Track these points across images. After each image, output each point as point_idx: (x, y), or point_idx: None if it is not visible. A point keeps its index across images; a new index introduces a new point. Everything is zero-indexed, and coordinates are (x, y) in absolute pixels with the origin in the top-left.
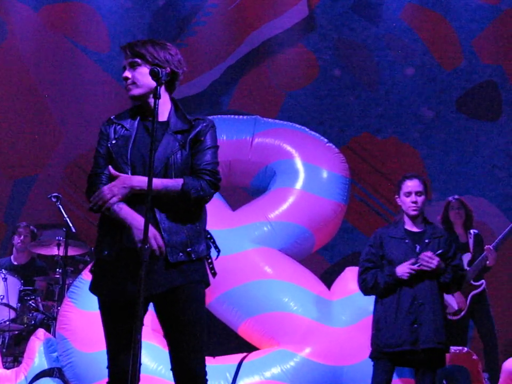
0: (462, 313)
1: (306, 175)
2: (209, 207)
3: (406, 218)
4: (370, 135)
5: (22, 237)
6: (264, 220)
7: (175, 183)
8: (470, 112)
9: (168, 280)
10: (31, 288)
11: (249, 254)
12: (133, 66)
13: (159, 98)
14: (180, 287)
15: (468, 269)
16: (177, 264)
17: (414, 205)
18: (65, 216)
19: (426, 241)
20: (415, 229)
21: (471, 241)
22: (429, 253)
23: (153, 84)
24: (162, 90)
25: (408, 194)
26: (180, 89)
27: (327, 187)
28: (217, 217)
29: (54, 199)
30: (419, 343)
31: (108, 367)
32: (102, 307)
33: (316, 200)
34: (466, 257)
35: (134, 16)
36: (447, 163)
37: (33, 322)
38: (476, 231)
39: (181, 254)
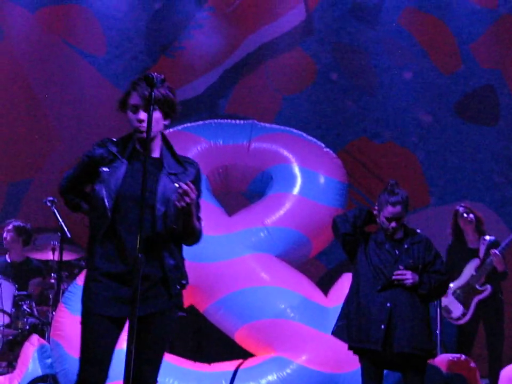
0: (466, 318)
1: (303, 181)
2: (206, 212)
3: None
4: (368, 139)
5: (8, 237)
6: (261, 226)
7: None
8: (468, 116)
9: (160, 303)
10: (25, 293)
11: (246, 259)
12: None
13: (153, 105)
14: (167, 310)
15: (474, 273)
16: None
17: (392, 229)
18: (60, 220)
19: (406, 246)
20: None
21: (483, 247)
22: (399, 271)
23: (162, 128)
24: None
25: (390, 220)
26: (177, 92)
27: (324, 193)
28: (214, 222)
29: (49, 203)
30: (393, 347)
31: (78, 376)
32: (87, 318)
33: (313, 206)
34: (474, 263)
35: (131, 19)
36: (445, 168)
37: (27, 327)
38: (492, 238)
39: (178, 286)
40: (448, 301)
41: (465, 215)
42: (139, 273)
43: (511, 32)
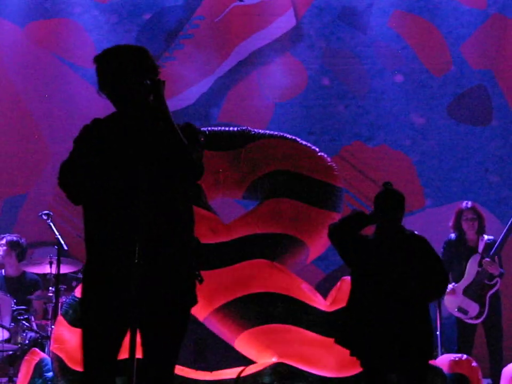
0: (484, 316)
1: (299, 186)
2: (202, 220)
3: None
4: (362, 143)
5: (2, 251)
6: (257, 232)
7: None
8: (461, 117)
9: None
10: (24, 307)
11: (244, 266)
12: None
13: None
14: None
15: (479, 269)
16: None
17: (392, 231)
18: (57, 233)
19: (404, 247)
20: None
21: (481, 244)
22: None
23: None
24: None
25: (389, 222)
26: (169, 102)
27: (320, 197)
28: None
29: (44, 217)
30: (398, 350)
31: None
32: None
33: (310, 211)
34: (475, 258)
35: (120, 30)
36: (439, 169)
37: (27, 342)
38: (491, 238)
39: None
40: (461, 301)
41: (468, 216)
42: (135, 283)
43: (501, 32)
